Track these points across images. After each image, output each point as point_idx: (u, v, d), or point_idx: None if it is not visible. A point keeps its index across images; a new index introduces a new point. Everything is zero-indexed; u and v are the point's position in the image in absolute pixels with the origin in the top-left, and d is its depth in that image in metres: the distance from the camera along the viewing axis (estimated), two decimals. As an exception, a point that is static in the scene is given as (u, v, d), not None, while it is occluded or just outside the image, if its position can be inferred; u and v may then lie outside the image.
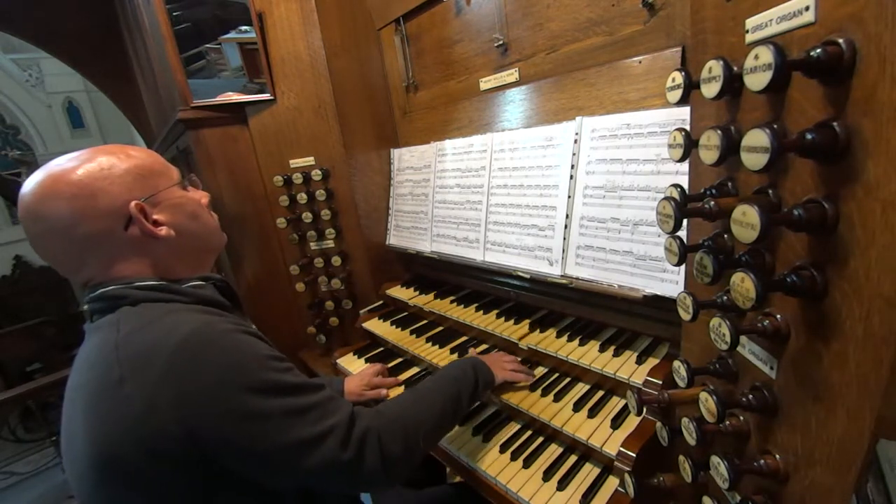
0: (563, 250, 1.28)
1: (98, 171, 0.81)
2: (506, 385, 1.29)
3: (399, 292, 1.94)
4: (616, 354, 1.20)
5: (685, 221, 0.65)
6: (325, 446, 0.77)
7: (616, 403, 1.18)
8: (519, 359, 1.37)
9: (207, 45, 1.79)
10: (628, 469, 0.96)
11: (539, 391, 1.25)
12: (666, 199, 0.62)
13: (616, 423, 1.10)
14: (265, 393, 0.75)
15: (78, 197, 0.78)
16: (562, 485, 1.05)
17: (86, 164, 0.80)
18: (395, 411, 0.94)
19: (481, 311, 1.60)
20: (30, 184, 0.79)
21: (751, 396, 0.61)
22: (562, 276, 1.28)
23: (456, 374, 1.14)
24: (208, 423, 0.71)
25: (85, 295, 0.85)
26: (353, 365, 1.76)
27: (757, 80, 0.49)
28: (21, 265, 6.95)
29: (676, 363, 0.74)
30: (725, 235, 0.64)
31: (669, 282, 1.04)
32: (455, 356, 1.51)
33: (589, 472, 1.09)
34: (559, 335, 1.35)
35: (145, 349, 0.72)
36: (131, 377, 0.71)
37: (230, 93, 1.83)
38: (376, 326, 1.87)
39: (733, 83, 0.56)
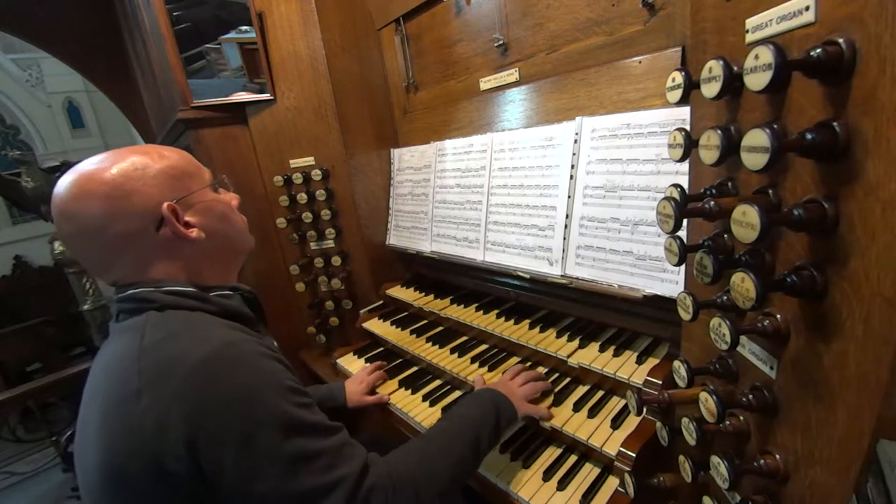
0: (563, 250, 1.28)
1: (132, 171, 0.80)
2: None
3: (399, 292, 1.94)
4: (616, 354, 1.20)
5: (685, 221, 0.65)
6: (328, 502, 0.71)
7: (616, 403, 1.18)
8: (527, 367, 1.31)
9: (207, 45, 1.79)
10: (628, 469, 0.96)
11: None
12: (666, 199, 0.62)
13: (616, 423, 1.10)
14: (277, 428, 0.71)
15: (111, 196, 0.77)
16: (562, 485, 1.05)
17: (119, 164, 0.80)
18: (407, 465, 0.85)
19: (481, 311, 1.60)
20: (63, 183, 0.79)
21: (751, 396, 0.61)
22: (562, 276, 1.28)
23: (475, 414, 1.02)
24: (210, 448, 0.68)
25: (114, 294, 0.84)
26: (353, 365, 1.76)
27: (757, 80, 0.49)
28: (21, 265, 6.95)
29: (676, 363, 0.74)
30: (725, 235, 0.64)
31: (669, 282, 1.04)
32: (455, 356, 1.51)
33: (589, 472, 1.09)
34: (559, 335, 1.35)
35: (166, 363, 0.71)
36: (148, 391, 0.69)
37: (241, 93, 1.83)
38: (376, 326, 1.87)
39: (733, 83, 0.56)
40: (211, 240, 0.89)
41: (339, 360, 1.82)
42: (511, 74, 1.52)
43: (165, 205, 0.81)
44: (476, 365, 1.44)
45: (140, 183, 0.80)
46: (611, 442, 1.05)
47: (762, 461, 0.61)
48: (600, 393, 1.22)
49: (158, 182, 0.82)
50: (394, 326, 1.82)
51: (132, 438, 0.69)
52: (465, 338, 1.63)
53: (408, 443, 0.94)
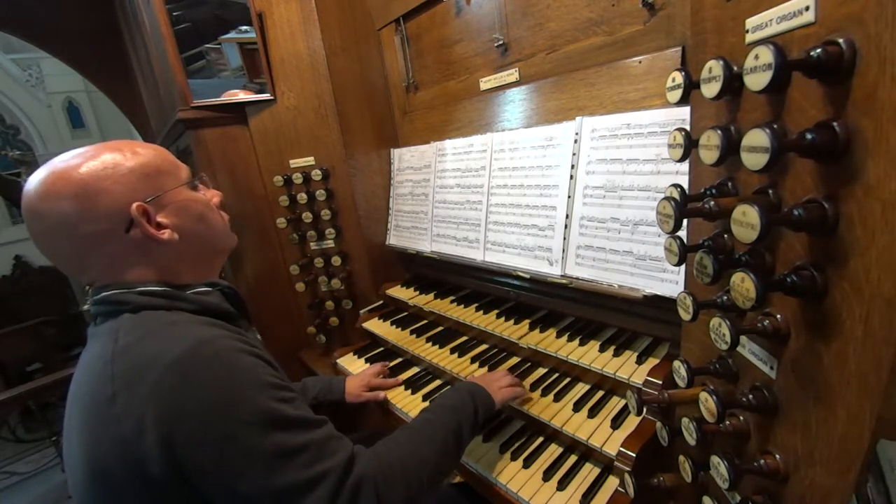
0: (563, 250, 1.28)
1: (101, 170, 0.78)
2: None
3: (399, 292, 1.94)
4: (616, 354, 1.20)
5: (685, 221, 0.65)
6: (314, 495, 0.70)
7: (616, 403, 1.18)
8: (512, 372, 1.31)
9: (207, 45, 1.79)
10: (628, 469, 0.96)
11: (539, 391, 1.25)
12: (666, 199, 0.62)
13: (616, 423, 1.10)
14: (258, 424, 0.70)
15: (79, 196, 0.75)
16: (562, 485, 1.05)
17: (89, 162, 0.78)
18: (394, 454, 0.85)
19: (481, 311, 1.60)
20: (33, 181, 0.77)
21: (751, 396, 0.61)
22: (562, 276, 1.28)
23: (454, 403, 1.06)
24: (189, 449, 0.67)
25: (89, 296, 0.83)
26: (353, 365, 1.76)
27: (757, 80, 0.49)
28: (21, 265, 6.95)
29: (676, 363, 0.74)
30: (725, 235, 0.64)
31: (669, 282, 1.04)
32: (455, 356, 1.51)
33: (589, 472, 1.09)
34: (559, 335, 1.35)
35: (139, 364, 0.70)
36: (123, 394, 0.68)
37: (236, 90, 1.83)
38: (376, 326, 1.87)
39: (733, 83, 0.56)
40: (186, 240, 0.86)
41: (339, 361, 1.82)
42: (511, 74, 1.52)
43: (135, 205, 0.78)
44: (476, 365, 1.44)
45: (109, 182, 0.77)
46: (611, 442, 1.05)
47: (762, 461, 0.61)
48: (600, 393, 1.22)
49: (129, 181, 0.79)
50: (394, 326, 1.82)
51: (113, 443, 0.68)
52: (465, 338, 1.63)
53: (393, 433, 0.94)
